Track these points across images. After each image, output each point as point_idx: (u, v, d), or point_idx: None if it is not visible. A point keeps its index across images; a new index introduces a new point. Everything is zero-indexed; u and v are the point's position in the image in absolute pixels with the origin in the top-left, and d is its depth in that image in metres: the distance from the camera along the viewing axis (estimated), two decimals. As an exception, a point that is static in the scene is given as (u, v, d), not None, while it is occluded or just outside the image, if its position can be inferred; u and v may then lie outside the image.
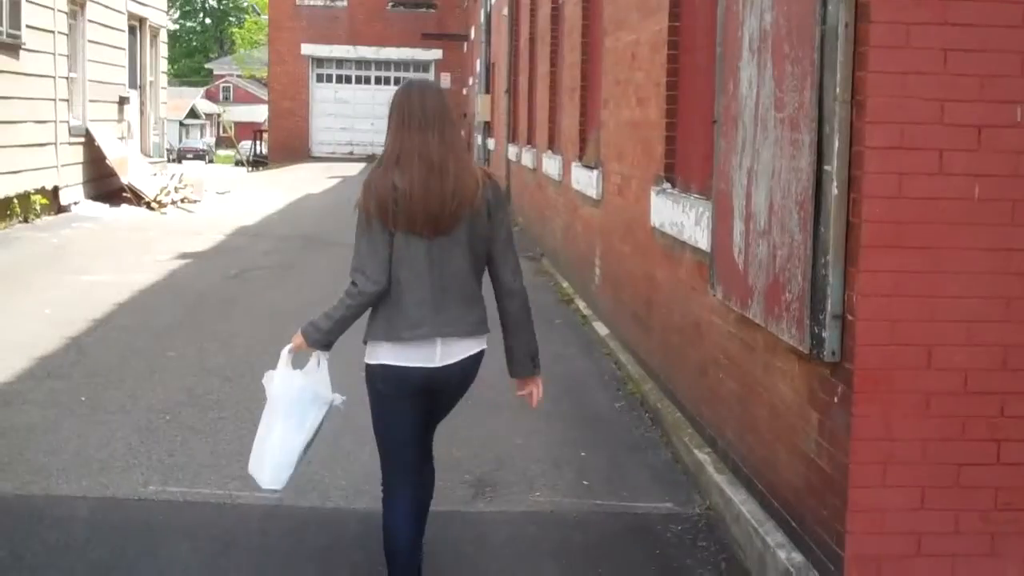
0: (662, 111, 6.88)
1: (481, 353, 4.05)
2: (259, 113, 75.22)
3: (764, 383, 4.81)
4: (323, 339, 3.93)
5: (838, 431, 3.98)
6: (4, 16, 14.18)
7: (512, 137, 18.86)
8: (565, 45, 11.85)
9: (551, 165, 12.63)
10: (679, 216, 6.23)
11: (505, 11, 19.81)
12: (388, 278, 3.88)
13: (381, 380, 3.96)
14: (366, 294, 3.87)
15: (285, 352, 3.98)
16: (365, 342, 3.96)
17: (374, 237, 3.90)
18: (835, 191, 3.85)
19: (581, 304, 10.05)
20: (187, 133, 75.98)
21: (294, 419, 3.99)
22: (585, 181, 9.89)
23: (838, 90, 3.82)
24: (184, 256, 12.86)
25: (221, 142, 76.10)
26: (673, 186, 6.72)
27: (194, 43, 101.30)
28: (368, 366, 3.97)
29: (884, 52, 3.72)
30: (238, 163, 47.43)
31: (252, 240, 14.64)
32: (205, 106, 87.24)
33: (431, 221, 3.90)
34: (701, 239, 5.75)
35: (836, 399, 3.99)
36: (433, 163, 3.96)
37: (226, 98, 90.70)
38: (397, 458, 4.07)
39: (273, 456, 4.00)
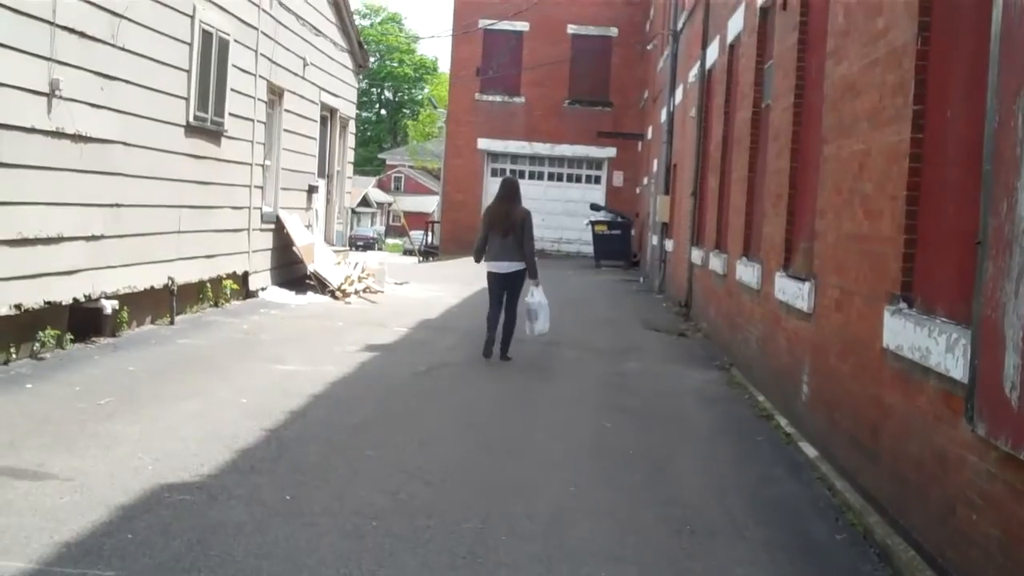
0: (899, 226, 6.51)
1: (519, 269, 12.55)
2: (428, 203, 76.64)
3: (1039, 534, 4.37)
4: (478, 256, 12.86)
5: None
6: (211, 104, 14.61)
7: (697, 240, 18.52)
8: (770, 150, 11.53)
9: (747, 273, 12.26)
10: (923, 340, 5.82)
11: (693, 112, 19.59)
12: (484, 243, 12.67)
13: (487, 274, 12.77)
14: (478, 246, 12.77)
15: (535, 286, 12.64)
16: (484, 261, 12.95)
17: (483, 229, 12.75)
18: None
19: (783, 421, 9.58)
20: (358, 221, 77.72)
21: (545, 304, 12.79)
22: (792, 292, 9.50)
23: None
24: (371, 348, 12.87)
25: (391, 231, 77.58)
26: (911, 306, 6.32)
27: (368, 133, 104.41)
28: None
29: None
30: (406, 252, 48.13)
31: (436, 334, 14.60)
32: (377, 195, 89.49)
33: (502, 230, 12.48)
34: (953, 368, 5.33)
35: None
36: (507, 210, 12.60)
37: (397, 188, 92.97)
38: (491, 303, 12.68)
39: (544, 320, 12.64)
